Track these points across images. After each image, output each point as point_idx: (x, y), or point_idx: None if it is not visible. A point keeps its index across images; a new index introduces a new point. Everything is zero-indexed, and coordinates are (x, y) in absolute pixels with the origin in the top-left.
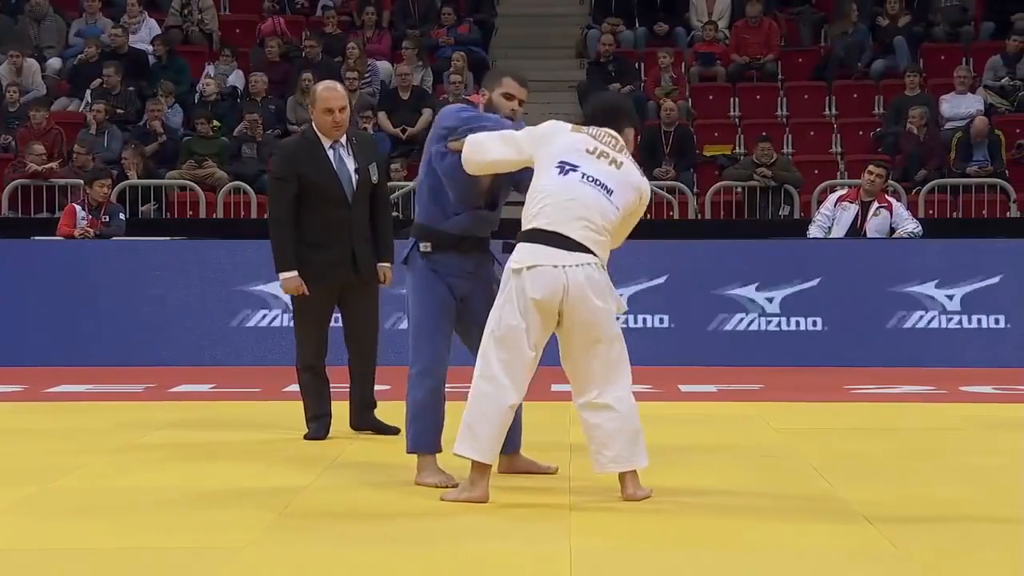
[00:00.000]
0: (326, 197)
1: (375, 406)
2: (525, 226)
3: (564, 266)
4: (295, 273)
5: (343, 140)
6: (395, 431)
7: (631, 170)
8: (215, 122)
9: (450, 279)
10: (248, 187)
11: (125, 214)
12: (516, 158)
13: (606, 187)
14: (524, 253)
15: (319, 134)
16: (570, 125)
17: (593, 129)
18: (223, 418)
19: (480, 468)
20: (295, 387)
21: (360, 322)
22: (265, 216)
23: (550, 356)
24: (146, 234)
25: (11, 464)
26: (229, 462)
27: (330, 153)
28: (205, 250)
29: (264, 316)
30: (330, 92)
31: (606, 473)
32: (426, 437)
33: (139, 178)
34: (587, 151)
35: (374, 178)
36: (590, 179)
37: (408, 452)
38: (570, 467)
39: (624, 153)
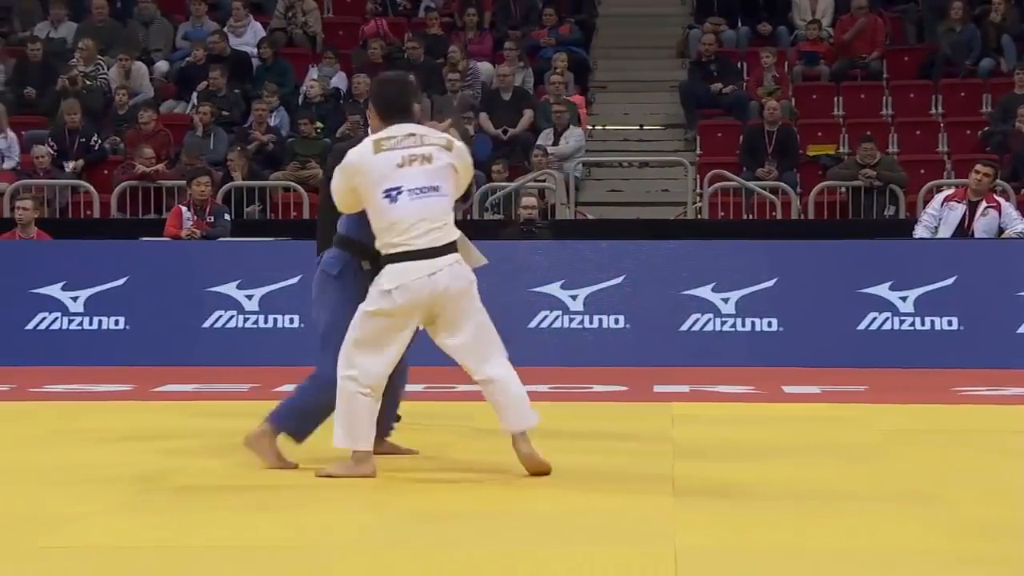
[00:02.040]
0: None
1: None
2: (390, 251)
3: (434, 273)
4: None
5: None
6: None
7: (439, 152)
8: (318, 123)
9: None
10: None
11: (230, 215)
12: (343, 200)
13: (433, 188)
14: (393, 274)
15: None
16: (371, 144)
17: (391, 140)
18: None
19: (362, 453)
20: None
21: None
22: None
23: (654, 358)
24: (250, 235)
25: (120, 461)
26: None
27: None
28: (309, 251)
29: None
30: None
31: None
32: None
33: (244, 179)
34: (398, 166)
35: None
36: (416, 192)
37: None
38: (673, 467)
39: (425, 140)
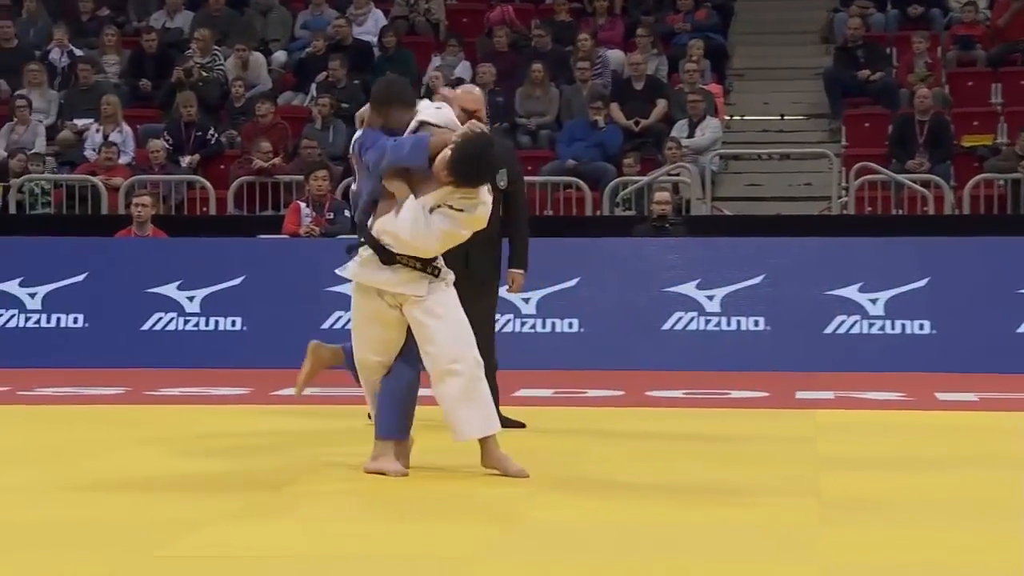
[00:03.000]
0: None
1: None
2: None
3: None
4: None
5: None
6: (520, 425)
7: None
8: None
9: None
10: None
11: (350, 211)
12: None
13: None
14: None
15: None
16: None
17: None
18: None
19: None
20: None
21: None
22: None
23: (796, 362)
24: None
25: (237, 467)
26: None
27: None
28: None
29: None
30: (466, 94)
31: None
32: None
33: None
34: None
35: (501, 184)
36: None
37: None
38: (817, 478)
39: None
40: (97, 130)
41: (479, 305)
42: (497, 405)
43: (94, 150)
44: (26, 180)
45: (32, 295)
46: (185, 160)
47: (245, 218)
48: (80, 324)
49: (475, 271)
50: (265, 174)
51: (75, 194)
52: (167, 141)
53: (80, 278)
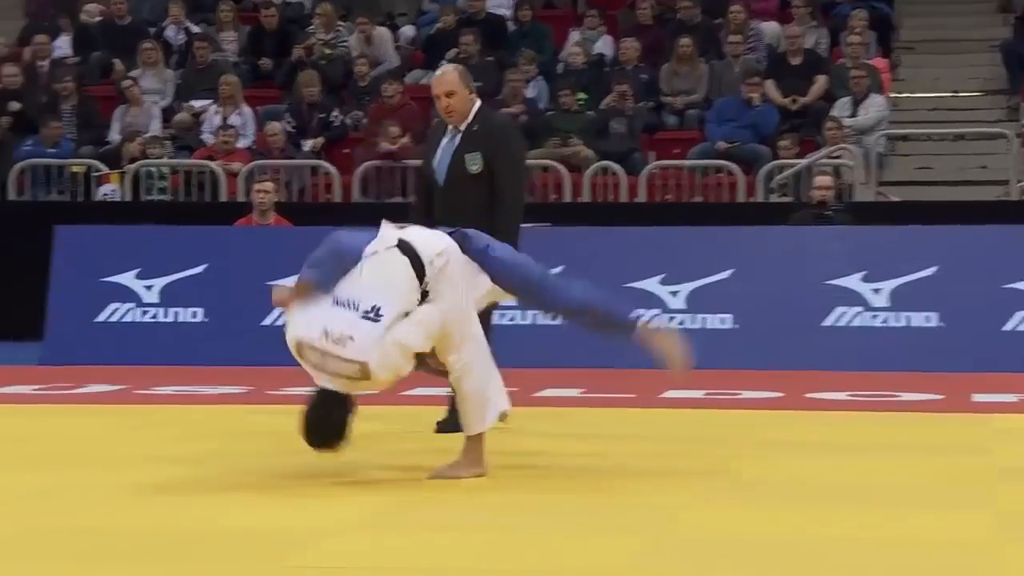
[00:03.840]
0: (430, 185)
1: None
2: None
3: None
4: None
5: (463, 127)
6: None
7: None
8: (580, 94)
9: None
10: (618, 167)
11: None
12: None
13: None
14: None
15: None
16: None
17: None
18: (598, 422)
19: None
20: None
21: None
22: (635, 199)
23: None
24: None
25: (374, 470)
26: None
27: (444, 139)
28: (571, 238)
29: (642, 315)
30: (435, 78)
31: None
32: None
33: None
34: None
35: (472, 168)
36: None
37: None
38: (995, 490)
39: None
40: (216, 112)
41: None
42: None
43: (212, 133)
44: (142, 165)
45: (149, 288)
46: (308, 144)
47: (372, 205)
48: (199, 319)
49: None
50: (393, 158)
51: (192, 180)
52: (289, 123)
53: (199, 270)
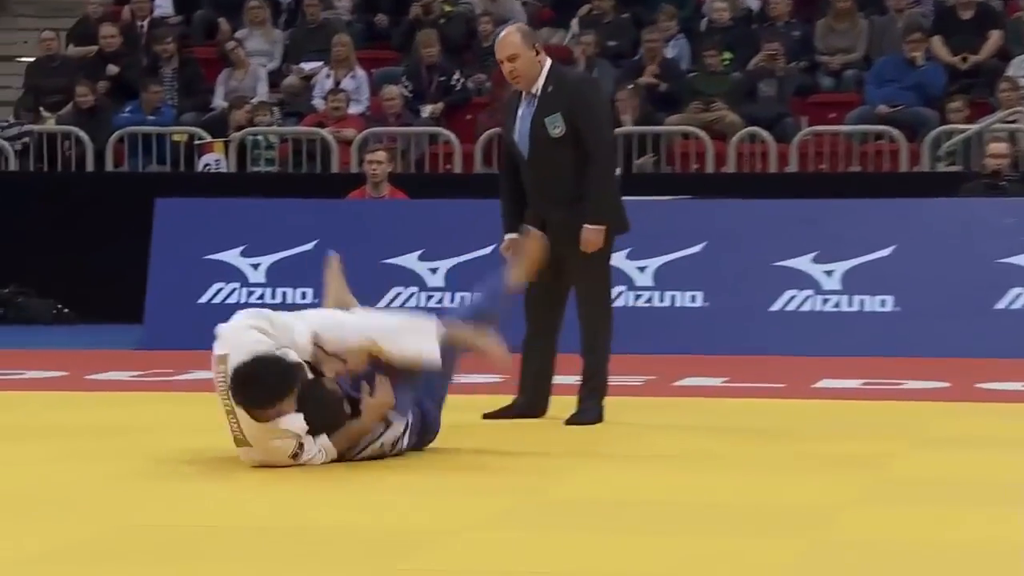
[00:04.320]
0: (514, 158)
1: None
2: None
3: None
4: (510, 236)
5: (536, 90)
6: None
7: None
8: (726, 54)
9: None
10: (766, 134)
11: (619, 167)
12: None
13: None
14: None
15: None
16: None
17: None
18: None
19: None
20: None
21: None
22: (786, 169)
23: None
24: (641, 192)
25: (494, 469)
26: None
27: (521, 108)
28: (714, 213)
29: (793, 297)
30: (496, 42)
31: None
32: None
33: (634, 124)
34: None
35: (554, 132)
36: None
37: None
38: None
39: None
40: (327, 75)
41: (577, 274)
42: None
43: (323, 98)
44: (247, 134)
45: (255, 266)
46: (427, 109)
47: (496, 176)
48: (308, 300)
49: (554, 234)
50: None
51: (302, 149)
52: (406, 87)
53: (308, 247)
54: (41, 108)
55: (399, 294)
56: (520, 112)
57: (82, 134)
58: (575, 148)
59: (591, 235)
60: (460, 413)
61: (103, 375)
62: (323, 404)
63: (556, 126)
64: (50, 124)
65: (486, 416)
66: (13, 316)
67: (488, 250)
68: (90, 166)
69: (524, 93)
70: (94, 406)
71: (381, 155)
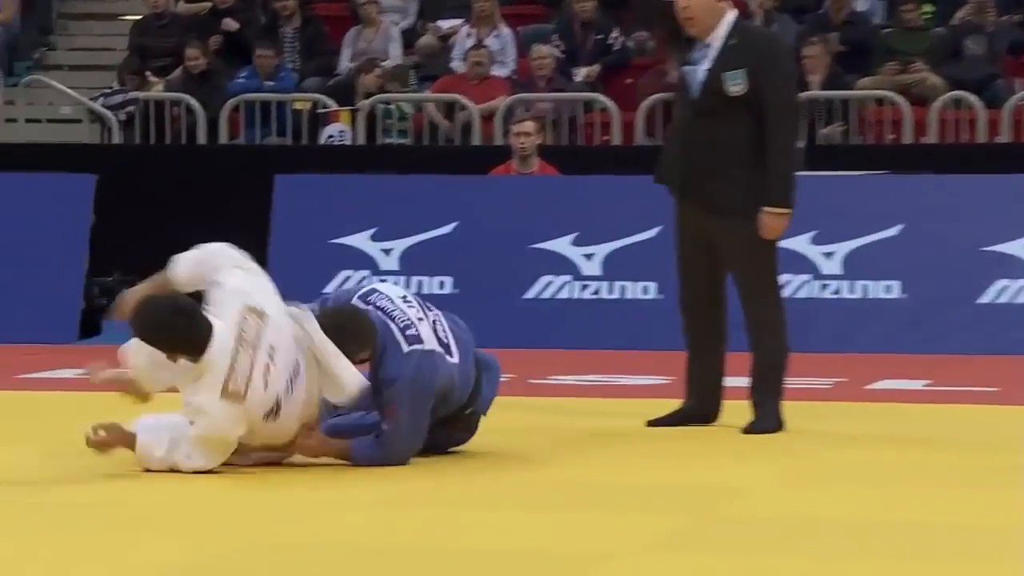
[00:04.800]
0: (680, 108)
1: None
2: None
3: None
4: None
5: (714, 41)
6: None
7: None
8: (926, 7)
9: None
10: (973, 98)
11: (802, 138)
12: None
13: None
14: None
15: None
16: None
17: None
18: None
19: None
20: None
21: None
22: (996, 139)
23: None
24: (828, 166)
25: (669, 484)
26: None
27: (697, 55)
28: (913, 189)
29: (1006, 288)
30: None
31: None
32: None
33: (821, 88)
34: None
35: (732, 89)
36: None
37: None
38: None
39: None
40: (468, 34)
41: (732, 254)
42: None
43: (463, 60)
44: (378, 101)
45: (387, 251)
46: (581, 72)
47: (660, 149)
48: (447, 289)
49: (709, 213)
50: None
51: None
52: (557, 47)
53: (446, 229)
54: (147, 73)
55: (549, 283)
56: (697, 61)
57: (193, 102)
58: (750, 112)
59: (771, 220)
60: (621, 420)
61: None
62: None
63: (736, 83)
64: (157, 90)
65: (650, 423)
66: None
67: (652, 233)
68: (202, 138)
69: (699, 44)
70: None
71: (529, 126)
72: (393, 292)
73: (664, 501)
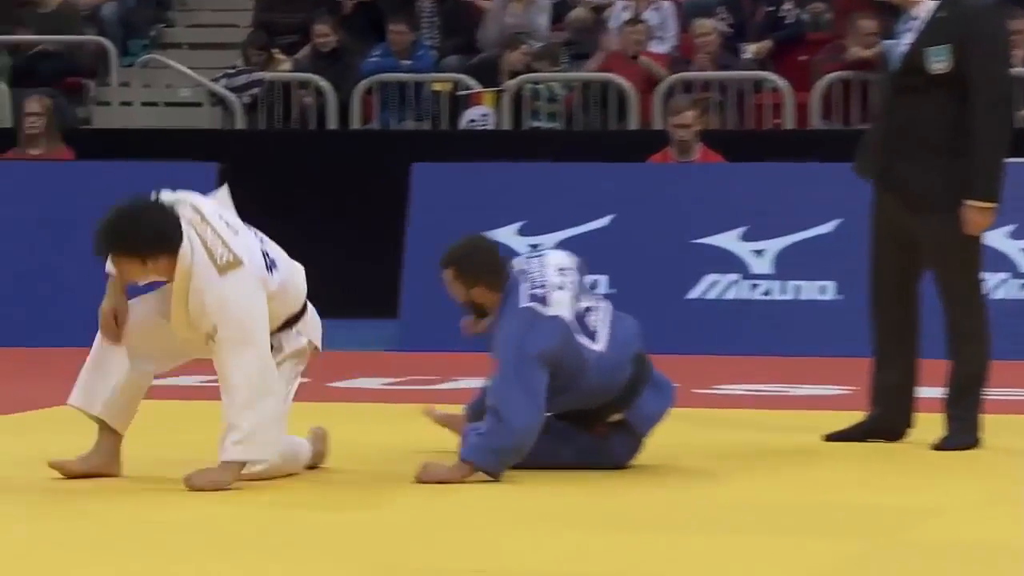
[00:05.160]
0: (880, 88)
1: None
2: None
3: None
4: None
5: (922, 14)
6: None
7: None
8: None
9: None
10: None
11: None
12: None
13: None
14: None
15: None
16: None
17: None
18: None
19: None
20: None
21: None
22: None
23: None
24: None
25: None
26: None
27: (901, 27)
28: None
29: None
30: None
31: None
32: None
33: None
34: None
35: (935, 66)
36: None
37: None
38: None
39: None
40: (624, 6)
41: (936, 251)
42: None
43: (619, 36)
44: (525, 81)
45: (535, 247)
46: (749, 49)
47: (838, 134)
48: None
49: (903, 203)
50: (867, 68)
51: (591, 100)
52: (723, 21)
53: (602, 223)
54: (274, 51)
55: (715, 283)
56: (894, 38)
57: (323, 83)
58: (954, 93)
59: (975, 215)
60: (795, 434)
61: (349, 382)
62: None
63: (940, 59)
64: (284, 69)
65: (828, 438)
66: None
67: (829, 227)
68: (332, 123)
69: (903, 14)
70: (341, 420)
71: (688, 116)
72: (553, 259)
73: (839, 524)
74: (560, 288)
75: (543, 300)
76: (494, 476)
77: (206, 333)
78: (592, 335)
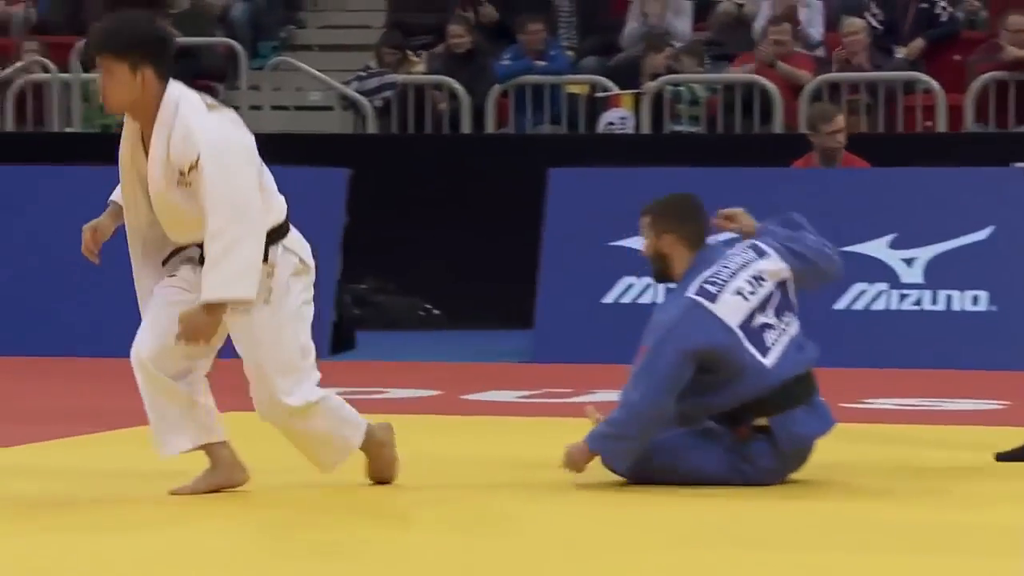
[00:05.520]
0: None
1: None
2: None
3: None
4: None
5: None
6: None
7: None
8: None
9: None
10: None
11: None
12: None
13: None
14: None
15: None
16: None
17: None
18: None
19: None
20: None
21: None
22: None
23: None
24: None
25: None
26: None
27: None
28: None
29: None
30: None
31: None
32: None
33: None
34: None
35: None
36: None
37: None
38: None
39: None
40: (770, 4)
41: None
42: None
43: (764, 34)
44: (666, 83)
45: None
46: (900, 50)
47: (991, 138)
48: None
49: None
50: (1022, 69)
51: (735, 103)
52: (875, 18)
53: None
54: (408, 52)
55: (863, 292)
56: None
57: (456, 86)
58: None
59: None
60: (961, 451)
61: (483, 395)
62: None
63: None
64: (418, 71)
65: (1000, 457)
66: (372, 318)
67: (983, 234)
68: (466, 127)
69: None
70: (475, 434)
71: (841, 120)
72: (758, 265)
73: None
74: (738, 293)
75: (711, 297)
76: (609, 463)
77: (182, 172)
78: (764, 350)
